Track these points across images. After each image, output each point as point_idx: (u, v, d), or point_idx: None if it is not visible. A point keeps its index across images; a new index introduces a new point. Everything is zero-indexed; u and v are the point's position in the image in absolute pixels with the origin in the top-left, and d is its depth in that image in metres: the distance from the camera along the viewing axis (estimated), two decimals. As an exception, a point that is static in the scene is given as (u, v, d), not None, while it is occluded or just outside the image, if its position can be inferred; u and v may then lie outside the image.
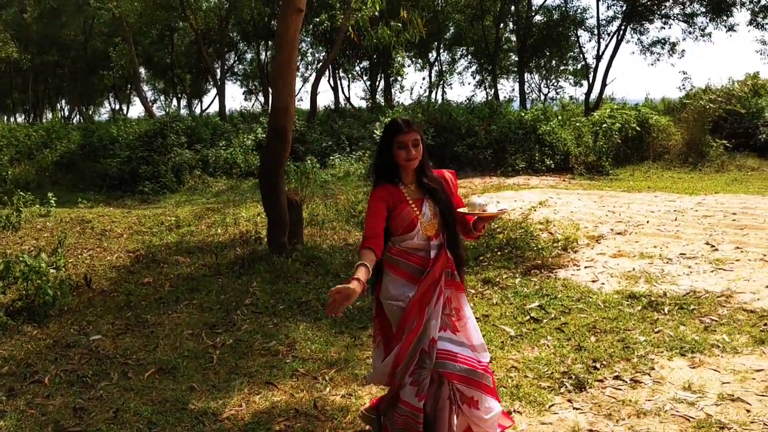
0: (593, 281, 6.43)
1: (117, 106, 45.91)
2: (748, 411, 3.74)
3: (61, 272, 6.63)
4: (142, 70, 41.32)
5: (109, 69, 28.88)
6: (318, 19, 18.55)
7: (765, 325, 5.06)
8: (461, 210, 3.17)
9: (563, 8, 27.29)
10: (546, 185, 13.88)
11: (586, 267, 6.98)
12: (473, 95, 31.42)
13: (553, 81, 32.53)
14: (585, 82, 27.16)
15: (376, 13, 8.42)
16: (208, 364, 4.74)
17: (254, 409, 3.99)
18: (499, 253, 7.34)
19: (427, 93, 33.13)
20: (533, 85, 32.47)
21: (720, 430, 3.55)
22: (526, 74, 30.43)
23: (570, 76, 31.52)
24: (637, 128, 16.23)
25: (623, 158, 16.28)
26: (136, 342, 5.17)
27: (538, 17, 27.75)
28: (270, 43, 32.51)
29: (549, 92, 32.31)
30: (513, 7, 27.61)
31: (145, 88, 45.28)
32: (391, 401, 3.17)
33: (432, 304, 3.10)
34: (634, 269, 6.75)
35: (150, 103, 32.03)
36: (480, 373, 3.10)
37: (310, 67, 34.66)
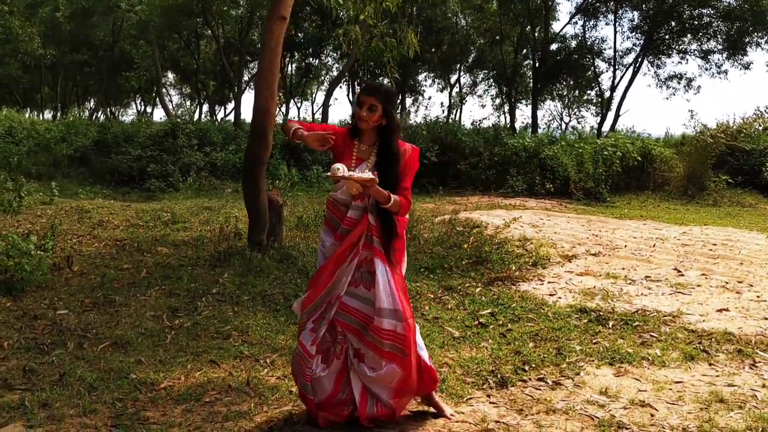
0: (551, 295, 6.62)
1: (143, 108, 46.91)
2: (653, 416, 3.92)
3: (48, 253, 6.96)
4: (169, 75, 42.28)
5: (133, 70, 29.55)
6: (334, 33, 18.97)
7: (699, 343, 5.23)
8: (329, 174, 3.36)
9: (581, 37, 27.54)
10: (541, 208, 14.06)
11: (549, 282, 7.17)
12: (485, 118, 31.68)
13: (575, 110, 32.74)
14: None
15: (374, 26, 8.76)
16: (161, 342, 5.01)
17: (191, 383, 4.24)
18: (465, 262, 7.56)
19: (445, 113, 33.46)
20: (554, 112, 32.73)
21: (618, 429, 3.73)
22: (548, 102, 30.79)
23: (591, 106, 31.68)
24: (639, 158, 16.37)
25: (623, 187, 16.43)
26: (99, 318, 5.46)
27: (555, 45, 27.99)
28: (297, 54, 33.13)
29: (570, 120, 32.52)
30: (536, 34, 27.93)
31: (173, 92, 46.34)
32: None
33: (345, 265, 3.42)
34: (594, 287, 6.93)
35: (175, 107, 32.70)
36: (371, 335, 3.41)
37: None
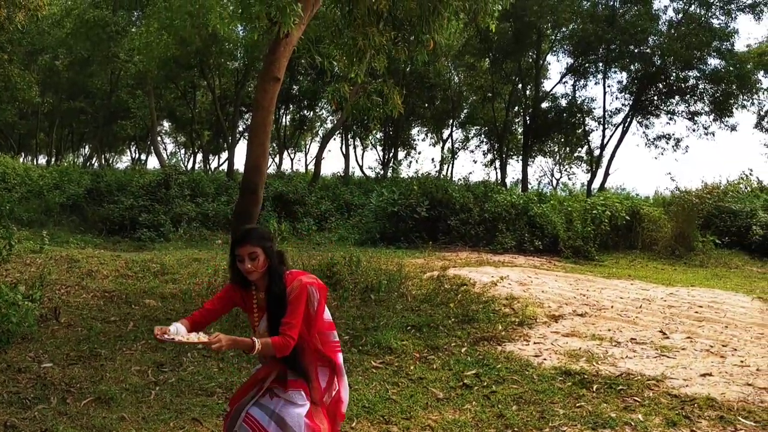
0: (536, 356, 6.65)
1: (137, 155, 47.24)
2: (633, 483, 3.94)
3: (35, 304, 6.96)
4: (166, 123, 42.73)
5: (129, 119, 29.87)
6: (327, 90, 19.35)
7: (682, 408, 5.25)
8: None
9: (571, 96, 28.10)
10: (530, 265, 14.13)
11: (535, 343, 7.20)
12: (470, 173, 32.13)
13: (565, 167, 33.23)
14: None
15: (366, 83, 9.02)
16: (145, 398, 5.00)
17: (173, 442, 4.24)
18: (451, 321, 7.59)
19: (438, 168, 33.86)
20: (545, 169, 33.23)
21: (598, 497, 3.75)
22: (539, 158, 31.28)
23: (582, 163, 32.12)
24: (627, 217, 16.55)
25: (611, 245, 16.55)
26: (84, 373, 5.45)
27: (546, 103, 28.54)
28: (292, 106, 33.68)
29: (561, 177, 32.95)
30: (527, 92, 28.50)
31: (167, 140, 46.77)
32: None
33: (247, 398, 3.28)
34: (580, 348, 6.96)
35: (169, 155, 32.96)
36: None
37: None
